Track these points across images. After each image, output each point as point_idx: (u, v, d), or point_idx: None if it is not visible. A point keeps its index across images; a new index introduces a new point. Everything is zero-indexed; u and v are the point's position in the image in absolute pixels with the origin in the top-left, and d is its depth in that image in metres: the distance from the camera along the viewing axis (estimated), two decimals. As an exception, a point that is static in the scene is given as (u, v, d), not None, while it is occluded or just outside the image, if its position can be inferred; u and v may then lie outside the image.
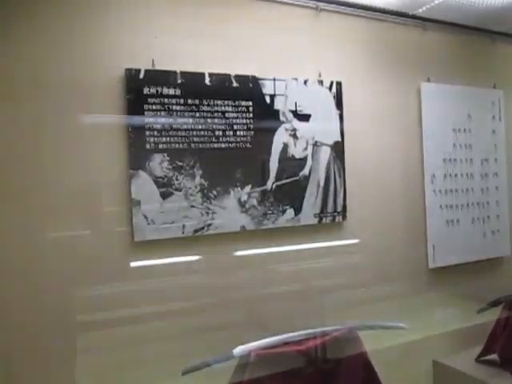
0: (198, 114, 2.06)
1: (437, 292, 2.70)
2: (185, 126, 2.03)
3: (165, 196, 1.98)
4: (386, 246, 2.57)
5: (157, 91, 1.98)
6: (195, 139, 2.05)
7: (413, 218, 2.68)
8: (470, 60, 2.98)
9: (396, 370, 2.29)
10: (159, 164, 1.97)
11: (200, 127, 2.06)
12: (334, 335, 1.96)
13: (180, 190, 2.01)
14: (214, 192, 2.07)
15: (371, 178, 2.54)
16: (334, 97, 2.39)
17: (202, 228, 2.04)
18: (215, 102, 2.09)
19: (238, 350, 1.81)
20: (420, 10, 2.63)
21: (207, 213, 2.05)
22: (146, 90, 1.96)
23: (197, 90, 2.06)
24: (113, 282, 1.91)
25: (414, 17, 2.67)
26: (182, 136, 2.02)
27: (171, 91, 2.01)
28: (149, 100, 1.97)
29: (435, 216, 2.71)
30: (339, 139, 2.39)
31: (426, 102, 2.71)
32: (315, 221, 2.31)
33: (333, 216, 2.36)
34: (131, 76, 1.93)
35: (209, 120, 2.08)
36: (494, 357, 2.43)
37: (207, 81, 2.08)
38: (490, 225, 2.93)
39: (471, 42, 2.97)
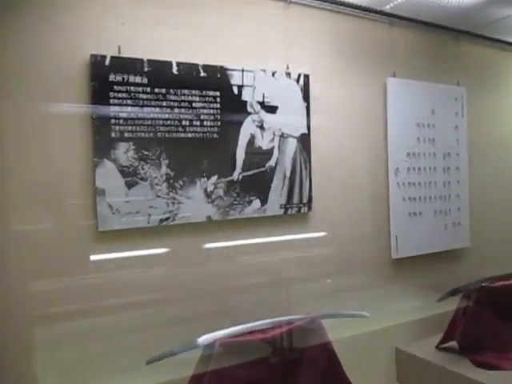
0: (164, 103, 2.04)
1: (399, 282, 2.77)
2: (151, 115, 2.01)
3: (130, 185, 1.96)
4: (351, 237, 2.61)
5: (123, 79, 1.94)
6: (162, 128, 2.03)
7: (377, 209, 2.74)
8: (435, 57, 3.05)
9: (359, 358, 2.35)
10: (124, 153, 1.95)
11: (167, 116, 2.04)
12: (297, 324, 1.99)
13: (146, 180, 1.99)
14: (180, 182, 2.06)
15: (337, 169, 2.57)
16: (302, 89, 2.40)
17: (168, 218, 2.03)
18: (182, 91, 2.08)
19: (203, 338, 1.82)
20: (387, 7, 2.68)
21: (173, 203, 2.04)
22: (111, 77, 1.92)
23: (164, 78, 2.03)
24: (75, 272, 1.87)
25: (381, 13, 2.72)
26: (148, 125, 2.00)
27: (138, 79, 1.98)
28: (114, 88, 1.93)
29: (398, 208, 2.77)
30: (306, 131, 2.41)
31: (391, 97, 2.76)
32: (281, 211, 2.33)
33: (298, 207, 2.39)
34: (96, 62, 1.89)
35: (176, 109, 2.06)
36: (453, 344, 2.52)
37: (175, 70, 2.06)
38: (451, 217, 3.02)
39: (436, 40, 3.04)
